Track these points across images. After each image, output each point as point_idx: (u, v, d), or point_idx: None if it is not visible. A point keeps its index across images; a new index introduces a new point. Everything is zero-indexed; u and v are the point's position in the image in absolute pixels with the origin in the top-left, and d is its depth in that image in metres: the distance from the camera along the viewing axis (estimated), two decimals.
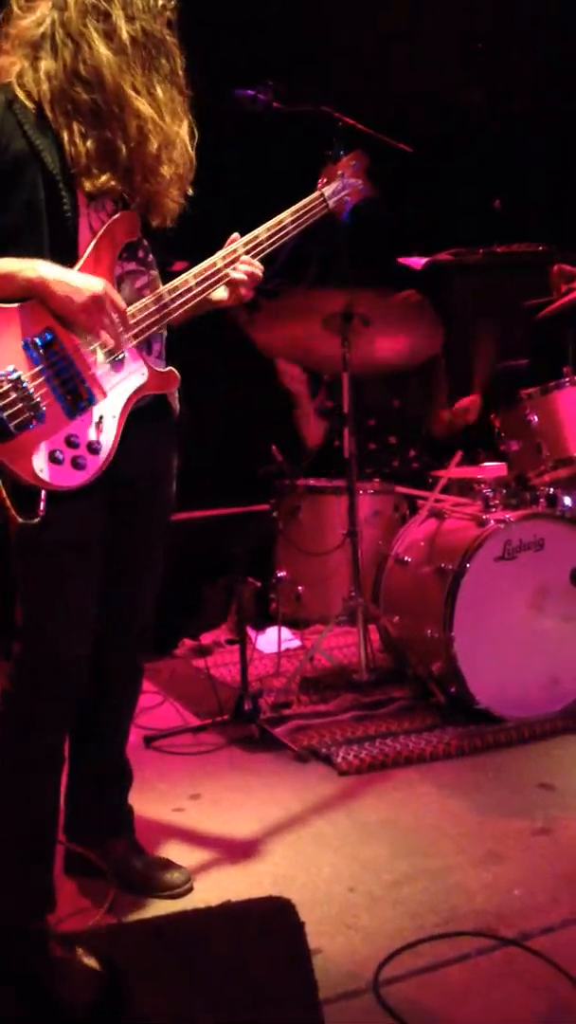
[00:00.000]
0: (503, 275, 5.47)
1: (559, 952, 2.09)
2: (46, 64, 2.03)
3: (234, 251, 2.26)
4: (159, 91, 2.07)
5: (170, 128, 2.09)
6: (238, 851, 2.62)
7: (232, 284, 2.27)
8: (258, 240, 2.30)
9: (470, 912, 2.27)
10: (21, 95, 2.04)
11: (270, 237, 2.31)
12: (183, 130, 2.14)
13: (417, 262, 5.34)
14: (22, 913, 2.15)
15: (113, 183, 2.06)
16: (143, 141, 2.05)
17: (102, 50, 2.00)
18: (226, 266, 2.25)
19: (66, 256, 2.04)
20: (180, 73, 2.13)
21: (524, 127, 5.81)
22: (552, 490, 3.60)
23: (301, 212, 2.38)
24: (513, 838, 2.61)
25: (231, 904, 2.30)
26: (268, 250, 2.31)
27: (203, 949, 2.13)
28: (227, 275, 2.25)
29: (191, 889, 2.40)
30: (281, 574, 3.94)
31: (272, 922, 2.22)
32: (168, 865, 2.45)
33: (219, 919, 2.25)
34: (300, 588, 3.91)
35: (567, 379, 3.64)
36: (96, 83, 2.01)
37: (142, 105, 2.03)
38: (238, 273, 2.26)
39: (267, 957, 2.09)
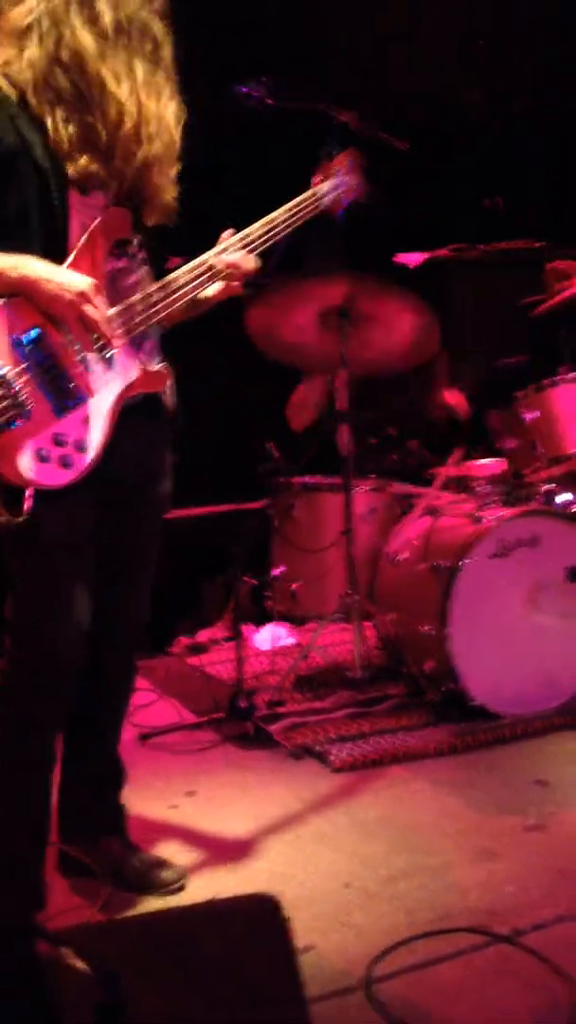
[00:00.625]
0: (500, 272, 5.46)
1: (552, 949, 2.08)
2: (29, 52, 2.03)
3: (226, 248, 2.26)
4: (139, 73, 2.06)
5: (146, 106, 2.07)
6: (233, 848, 2.61)
7: (217, 274, 2.26)
8: (251, 237, 2.29)
9: (464, 909, 2.27)
10: (4, 84, 2.03)
11: (263, 234, 2.31)
12: (164, 109, 2.12)
13: (414, 259, 5.34)
14: (18, 913, 2.15)
15: (95, 167, 2.04)
16: (119, 123, 2.04)
17: (84, 35, 2.01)
18: None
19: (57, 252, 2.03)
20: (166, 58, 2.12)
21: (524, 127, 5.80)
22: (547, 487, 3.60)
23: (295, 210, 2.38)
24: (508, 835, 2.61)
25: (216, 901, 2.29)
26: (261, 247, 2.31)
27: (193, 947, 2.12)
28: (218, 271, 2.24)
29: (184, 886, 2.40)
30: (276, 571, 3.93)
31: (258, 919, 2.21)
32: (162, 863, 2.44)
33: (204, 916, 2.24)
34: (295, 585, 3.90)
35: (561, 376, 3.64)
36: (76, 67, 2.01)
37: (120, 89, 2.03)
38: (221, 263, 2.24)
39: (254, 954, 2.08)
